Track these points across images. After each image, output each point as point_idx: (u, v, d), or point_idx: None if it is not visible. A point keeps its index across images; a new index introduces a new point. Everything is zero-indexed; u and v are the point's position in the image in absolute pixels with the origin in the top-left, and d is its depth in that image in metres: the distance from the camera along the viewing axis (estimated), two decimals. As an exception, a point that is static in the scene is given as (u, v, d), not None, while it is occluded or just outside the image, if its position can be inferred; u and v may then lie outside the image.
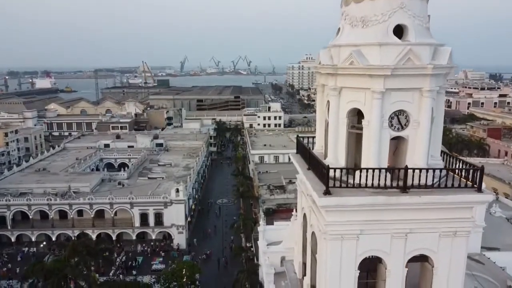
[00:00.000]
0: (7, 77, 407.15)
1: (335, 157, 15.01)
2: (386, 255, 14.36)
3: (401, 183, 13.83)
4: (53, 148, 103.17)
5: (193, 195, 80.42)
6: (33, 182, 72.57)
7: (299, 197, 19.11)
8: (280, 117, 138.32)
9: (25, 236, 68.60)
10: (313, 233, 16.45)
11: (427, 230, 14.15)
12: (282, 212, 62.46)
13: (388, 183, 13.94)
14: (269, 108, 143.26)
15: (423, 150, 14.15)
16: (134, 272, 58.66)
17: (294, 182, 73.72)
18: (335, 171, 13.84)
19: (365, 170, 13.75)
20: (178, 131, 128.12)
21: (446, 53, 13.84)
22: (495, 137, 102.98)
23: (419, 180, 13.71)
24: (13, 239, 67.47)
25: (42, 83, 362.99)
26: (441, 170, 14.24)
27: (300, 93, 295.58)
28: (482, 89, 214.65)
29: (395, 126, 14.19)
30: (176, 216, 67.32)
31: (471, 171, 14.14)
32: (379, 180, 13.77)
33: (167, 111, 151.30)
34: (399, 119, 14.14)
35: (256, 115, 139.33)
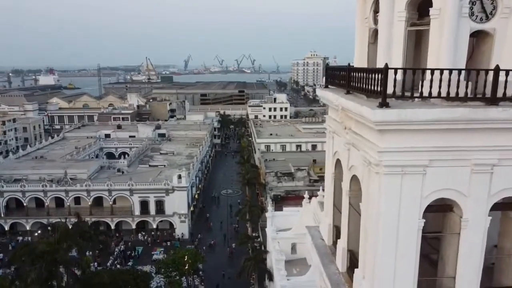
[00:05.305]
0: (10, 74, 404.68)
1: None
2: (463, 197, 10.31)
3: (487, 94, 9.82)
4: (52, 138, 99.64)
5: (196, 183, 76.56)
6: (28, 169, 68.99)
7: (328, 142, 15.07)
8: (286, 108, 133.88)
9: (20, 225, 65.23)
10: (353, 178, 12.45)
11: (522, 162, 10.14)
12: (291, 199, 58.73)
13: (469, 94, 9.94)
14: (274, 99, 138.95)
15: (516, 49, 10.13)
16: (130, 264, 54.79)
17: (303, 170, 69.85)
18: (395, 73, 9.73)
19: (438, 72, 9.72)
20: (181, 122, 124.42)
21: None
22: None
23: (514, 89, 9.69)
24: (6, 228, 64.04)
25: (45, 80, 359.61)
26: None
27: (305, 89, 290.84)
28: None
29: (477, 15, 10.18)
30: (178, 204, 63.51)
31: None
32: (457, 87, 9.74)
33: (170, 103, 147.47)
34: (483, 4, 10.13)
35: (261, 106, 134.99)
